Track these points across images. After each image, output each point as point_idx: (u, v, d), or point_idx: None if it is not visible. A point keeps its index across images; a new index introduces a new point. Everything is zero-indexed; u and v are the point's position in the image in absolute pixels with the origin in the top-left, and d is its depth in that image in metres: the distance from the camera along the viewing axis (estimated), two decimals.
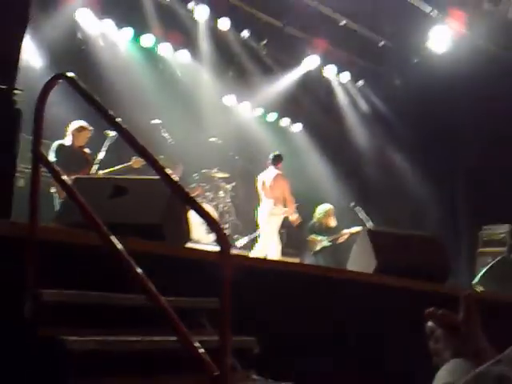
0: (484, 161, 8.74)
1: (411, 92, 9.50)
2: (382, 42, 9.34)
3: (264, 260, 4.48)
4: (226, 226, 7.81)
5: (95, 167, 6.41)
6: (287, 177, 7.71)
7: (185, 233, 3.52)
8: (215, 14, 8.78)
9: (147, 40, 8.73)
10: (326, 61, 9.85)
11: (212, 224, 2.24)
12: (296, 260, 7.78)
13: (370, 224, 7.63)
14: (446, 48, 8.98)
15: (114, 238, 2.37)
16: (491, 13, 8.42)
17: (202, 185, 8.12)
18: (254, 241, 7.87)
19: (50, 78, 2.77)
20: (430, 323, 1.05)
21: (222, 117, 9.45)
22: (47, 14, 7.43)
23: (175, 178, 2.52)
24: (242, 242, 8.00)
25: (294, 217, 7.58)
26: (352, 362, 3.31)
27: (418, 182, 9.66)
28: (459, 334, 1.01)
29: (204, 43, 9.06)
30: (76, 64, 7.15)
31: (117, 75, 8.15)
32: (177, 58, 9.17)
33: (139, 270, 2.25)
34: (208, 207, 7.25)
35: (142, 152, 2.50)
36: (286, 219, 7.66)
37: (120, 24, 8.48)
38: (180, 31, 8.95)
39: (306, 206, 8.66)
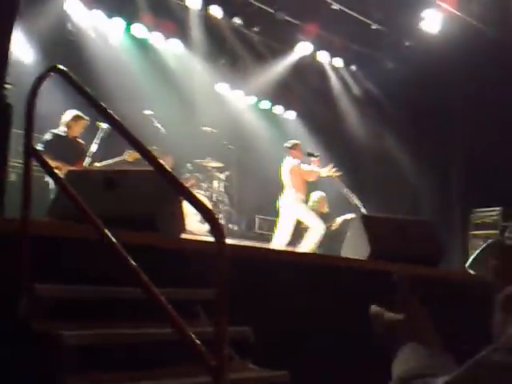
0: (476, 143, 8.75)
1: (404, 75, 9.48)
2: (374, 26, 9.29)
3: (258, 249, 4.49)
4: (221, 215, 7.81)
5: (88, 160, 6.37)
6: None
7: (179, 224, 3.52)
8: (206, 1, 8.71)
9: (138, 30, 8.66)
10: (318, 46, 9.81)
11: (207, 214, 2.24)
12: (290, 248, 7.81)
13: (363, 210, 7.64)
14: (437, 30, 8.95)
15: (107, 231, 2.36)
16: None
17: (196, 175, 8.10)
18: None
19: (40, 70, 2.75)
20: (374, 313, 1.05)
21: (214, 105, 9.40)
22: (36, 6, 7.34)
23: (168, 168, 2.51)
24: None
25: (326, 170, 7.34)
26: (348, 349, 3.33)
27: (410, 166, 9.67)
28: (400, 319, 1.01)
29: (196, 31, 8.99)
30: (66, 56, 7.10)
31: (108, 66, 8.09)
32: (168, 47, 9.11)
33: (133, 263, 2.25)
34: (202, 197, 7.24)
35: (135, 143, 2.49)
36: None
37: (110, 14, 8.41)
38: (171, 20, 8.88)
39: None
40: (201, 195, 7.40)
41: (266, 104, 10.46)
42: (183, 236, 3.60)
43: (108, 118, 2.59)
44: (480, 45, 8.46)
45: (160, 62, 9.04)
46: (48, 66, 2.75)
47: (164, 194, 3.31)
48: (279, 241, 7.36)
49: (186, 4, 8.63)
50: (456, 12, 8.67)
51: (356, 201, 7.58)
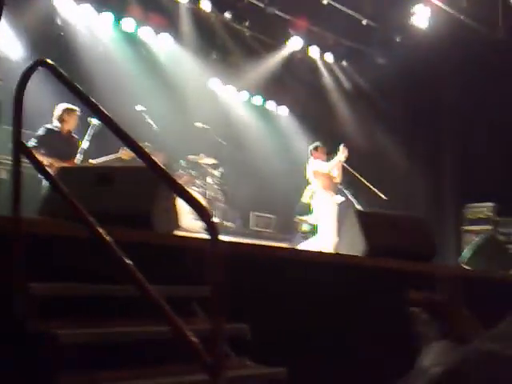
0: (469, 138, 8.78)
1: (395, 71, 9.49)
2: (365, 22, 9.28)
3: (253, 246, 4.47)
4: (215, 212, 7.77)
5: (79, 157, 6.29)
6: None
7: (173, 221, 3.49)
8: None
9: (128, 24, 8.58)
10: (309, 41, 9.78)
11: (201, 211, 2.21)
12: (285, 245, 7.79)
13: (357, 205, 7.65)
14: (427, 26, 8.96)
15: (100, 229, 2.33)
16: None
17: (190, 171, 8.05)
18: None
19: (28, 65, 2.69)
20: (413, 307, 1.04)
21: (206, 101, 9.36)
22: (25, 0, 7.25)
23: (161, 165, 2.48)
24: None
25: (340, 153, 7.32)
26: (344, 347, 3.32)
27: (403, 162, 9.69)
28: (443, 316, 1.01)
29: (186, 26, 8.93)
30: (55, 51, 7.02)
31: (98, 61, 8.02)
32: (158, 41, 9.04)
33: (128, 260, 2.22)
34: (196, 194, 7.20)
35: (126, 139, 2.45)
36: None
37: (99, 8, 8.32)
38: (161, 14, 8.81)
39: (293, 189, 8.67)
40: (195, 192, 7.36)
41: (258, 99, 10.43)
42: (177, 233, 3.57)
43: (97, 113, 2.54)
44: (471, 40, 8.48)
45: (150, 56, 8.97)
46: (35, 60, 2.69)
47: (157, 191, 3.28)
48: (327, 242, 7.04)
49: None
50: (446, 8, 8.69)
51: (350, 196, 7.58)
